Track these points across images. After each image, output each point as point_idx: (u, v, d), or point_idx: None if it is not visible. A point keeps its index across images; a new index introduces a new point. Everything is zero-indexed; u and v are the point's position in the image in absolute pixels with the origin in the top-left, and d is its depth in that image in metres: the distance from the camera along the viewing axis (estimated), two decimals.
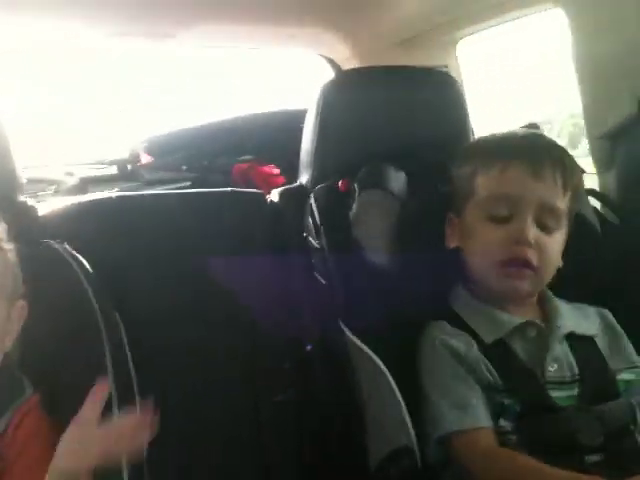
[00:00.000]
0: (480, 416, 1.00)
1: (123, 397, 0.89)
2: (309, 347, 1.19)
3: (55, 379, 0.91)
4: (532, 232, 1.04)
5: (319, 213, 1.25)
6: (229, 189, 1.40)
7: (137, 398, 0.91)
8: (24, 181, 1.16)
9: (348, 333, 1.09)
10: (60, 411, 0.87)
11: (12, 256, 0.90)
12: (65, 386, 0.90)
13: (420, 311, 1.11)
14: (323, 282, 1.19)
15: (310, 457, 1.21)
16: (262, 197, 1.39)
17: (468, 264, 1.12)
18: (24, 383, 0.90)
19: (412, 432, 1.01)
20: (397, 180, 1.25)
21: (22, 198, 1.13)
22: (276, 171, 1.97)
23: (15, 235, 0.97)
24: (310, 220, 1.27)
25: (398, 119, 1.35)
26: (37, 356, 0.94)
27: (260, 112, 2.13)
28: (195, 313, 1.23)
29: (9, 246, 0.90)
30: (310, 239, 1.25)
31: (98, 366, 0.91)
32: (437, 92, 1.40)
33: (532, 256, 1.04)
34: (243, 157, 1.93)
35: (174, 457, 1.10)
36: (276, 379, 1.23)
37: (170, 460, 1.07)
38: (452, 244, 1.14)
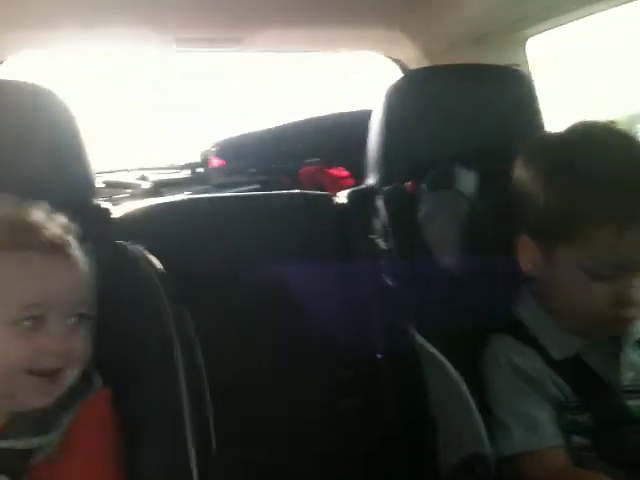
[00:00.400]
0: (549, 435, 0.97)
1: (193, 393, 0.90)
2: (379, 356, 1.18)
3: (126, 376, 0.93)
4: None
5: (387, 215, 1.24)
6: (297, 191, 1.41)
7: (207, 394, 0.92)
8: (100, 185, 1.20)
9: (418, 338, 1.07)
10: (127, 408, 0.90)
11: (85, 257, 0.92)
12: (135, 383, 0.92)
13: (486, 318, 1.07)
14: (391, 285, 1.18)
15: (376, 464, 1.20)
16: (330, 199, 1.39)
17: (552, 299, 1.03)
18: (94, 378, 0.92)
19: (487, 441, 0.98)
20: (467, 181, 1.23)
21: (96, 201, 1.17)
22: (344, 173, 1.97)
23: (89, 237, 1.01)
24: (378, 222, 1.26)
25: (467, 118, 1.32)
26: (109, 353, 0.96)
27: (327, 114, 2.13)
28: (263, 315, 1.25)
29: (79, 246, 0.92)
30: (378, 241, 1.24)
31: (168, 364, 0.92)
32: (507, 90, 1.36)
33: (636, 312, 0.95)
34: (311, 159, 1.94)
35: (238, 456, 1.11)
36: (342, 384, 1.22)
37: (235, 460, 1.08)
38: (527, 270, 1.04)
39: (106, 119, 2.25)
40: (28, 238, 0.85)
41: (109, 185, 1.72)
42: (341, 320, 1.21)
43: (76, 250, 0.90)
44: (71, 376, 0.86)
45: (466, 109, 1.32)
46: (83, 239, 0.95)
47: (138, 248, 1.07)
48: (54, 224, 0.88)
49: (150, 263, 1.04)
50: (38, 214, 0.88)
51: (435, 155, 1.28)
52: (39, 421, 0.83)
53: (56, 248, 0.86)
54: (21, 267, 0.84)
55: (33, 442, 0.82)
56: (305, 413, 1.24)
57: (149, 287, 1.00)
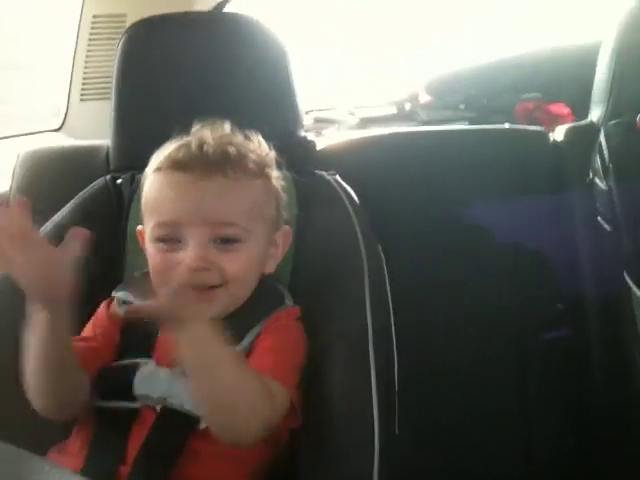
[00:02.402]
0: None
1: (380, 327, 0.88)
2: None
3: (317, 305, 0.93)
4: None
5: (609, 151, 1.12)
6: (509, 126, 1.31)
7: (391, 330, 0.90)
8: (308, 120, 1.21)
9: (634, 287, 0.96)
10: (313, 332, 0.90)
11: (277, 183, 0.93)
12: (323, 309, 0.92)
13: None
14: (607, 229, 1.07)
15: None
16: (544, 135, 1.29)
17: None
18: (285, 297, 0.93)
19: None
20: None
21: (303, 133, 1.18)
22: (566, 110, 1.80)
23: (292, 165, 1.02)
24: (598, 160, 1.14)
25: None
26: (303, 280, 0.97)
27: (548, 46, 1.96)
28: (465, 252, 1.20)
29: (275, 173, 0.93)
30: (597, 181, 1.12)
31: (357, 296, 0.91)
32: None
33: None
34: (528, 94, 1.80)
35: (428, 387, 1.09)
36: (549, 317, 1.15)
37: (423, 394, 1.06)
38: None
39: (319, 56, 2.27)
40: (186, 158, 0.86)
41: (317, 121, 1.74)
42: (551, 261, 1.12)
43: (250, 175, 0.89)
44: (227, 296, 0.87)
45: None
46: (284, 166, 0.97)
47: (336, 178, 1.07)
48: (241, 146, 0.89)
49: (347, 194, 1.03)
50: (217, 133, 0.89)
51: None
52: (227, 334, 0.84)
53: (211, 168, 0.86)
54: (160, 186, 0.88)
55: None
56: (506, 346, 1.20)
57: (343, 218, 0.99)
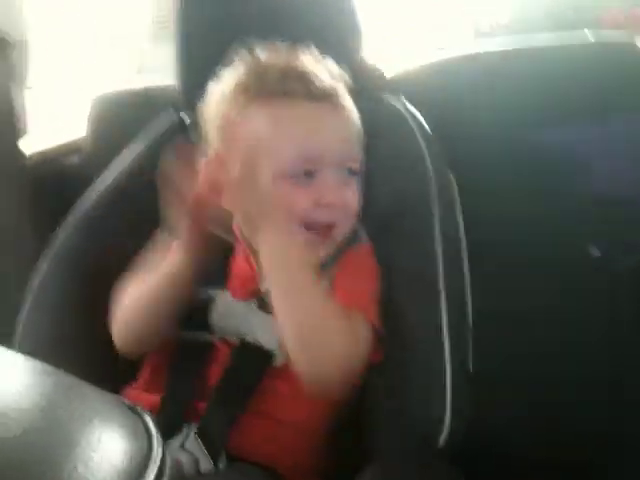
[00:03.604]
0: None
1: (450, 258, 0.84)
2: None
3: (386, 235, 0.90)
4: None
5: None
6: (592, 40, 1.21)
7: (465, 263, 0.86)
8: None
9: None
10: (385, 267, 0.87)
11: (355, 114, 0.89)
12: (392, 242, 0.89)
13: None
14: None
15: None
16: (636, 47, 1.17)
17: None
18: (359, 232, 0.91)
19: None
20: None
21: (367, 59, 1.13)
22: None
23: (358, 91, 0.98)
24: None
25: None
26: (373, 210, 0.94)
27: None
28: (540, 185, 1.13)
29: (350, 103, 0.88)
30: None
31: (425, 224, 0.87)
32: None
33: None
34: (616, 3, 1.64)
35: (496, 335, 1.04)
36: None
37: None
38: None
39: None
40: (299, 86, 0.82)
41: None
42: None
43: (347, 101, 0.86)
44: (343, 231, 0.85)
45: None
46: (352, 92, 0.93)
47: (404, 104, 1.02)
48: (326, 72, 0.85)
49: (414, 119, 0.98)
50: (310, 61, 0.85)
51: None
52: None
53: (327, 97, 0.83)
54: (294, 118, 0.82)
55: None
56: (586, 277, 1.14)
57: (412, 144, 0.95)
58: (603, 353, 1.17)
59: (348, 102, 0.86)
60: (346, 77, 0.88)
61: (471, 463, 0.73)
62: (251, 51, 0.86)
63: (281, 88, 0.81)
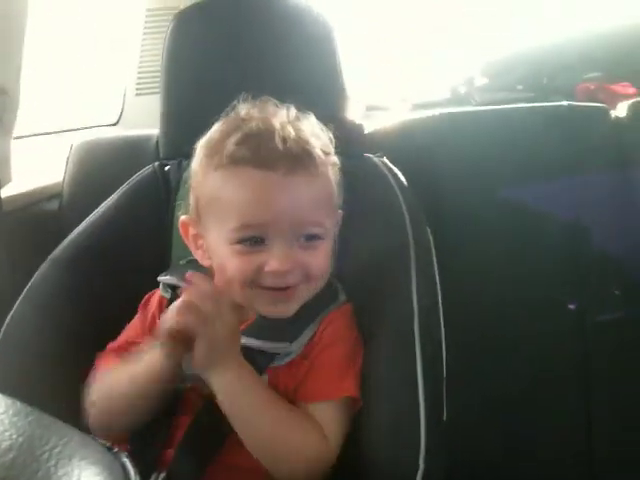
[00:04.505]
0: None
1: (426, 306, 0.85)
2: None
3: (364, 290, 0.91)
4: None
5: None
6: (565, 102, 1.26)
7: (440, 312, 0.87)
8: (359, 107, 1.19)
9: None
10: (364, 320, 0.88)
11: (337, 170, 0.89)
12: (369, 290, 0.90)
13: None
14: None
15: None
16: (605, 111, 1.22)
17: None
18: (339, 292, 0.91)
19: None
20: None
21: (350, 116, 1.16)
22: (631, 90, 1.70)
23: (340, 149, 1.00)
24: None
25: None
26: (351, 266, 0.95)
27: (611, 23, 1.87)
28: (521, 234, 1.16)
29: (335, 159, 0.88)
30: None
31: (403, 274, 0.88)
32: None
33: None
34: (589, 75, 1.72)
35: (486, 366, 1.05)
36: (605, 300, 1.10)
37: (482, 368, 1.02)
38: None
39: (369, 47, 2.24)
40: (250, 153, 0.79)
41: (368, 108, 1.71)
42: (612, 237, 1.08)
43: (315, 163, 0.82)
44: (307, 292, 0.85)
45: None
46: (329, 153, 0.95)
47: (383, 161, 1.05)
48: (296, 134, 0.82)
49: (393, 174, 1.01)
50: (279, 123, 0.82)
51: None
52: (281, 329, 0.85)
53: (281, 163, 0.79)
54: (239, 185, 0.80)
55: (273, 347, 0.84)
56: (559, 326, 1.16)
57: (388, 197, 0.97)
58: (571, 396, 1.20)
59: (315, 165, 0.82)
60: (326, 135, 0.87)
61: None
62: (233, 109, 0.86)
63: (236, 154, 0.80)
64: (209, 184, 0.83)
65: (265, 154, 0.79)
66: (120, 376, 0.84)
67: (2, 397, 0.36)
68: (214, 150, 0.83)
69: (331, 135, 0.88)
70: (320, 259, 0.84)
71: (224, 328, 0.77)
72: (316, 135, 0.85)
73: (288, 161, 0.79)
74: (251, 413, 0.78)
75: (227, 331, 0.77)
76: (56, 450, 0.31)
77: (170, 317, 0.77)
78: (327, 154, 0.86)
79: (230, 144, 0.81)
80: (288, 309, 0.85)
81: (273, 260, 0.80)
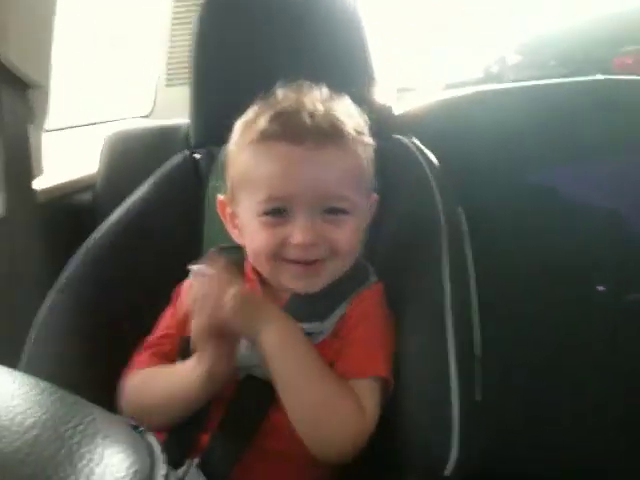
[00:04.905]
0: None
1: (457, 287, 0.84)
2: None
3: (396, 270, 0.90)
4: None
5: None
6: (602, 76, 1.22)
7: (472, 295, 0.86)
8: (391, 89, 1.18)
9: None
10: (395, 300, 0.87)
11: (371, 151, 0.89)
12: (401, 271, 0.89)
13: None
14: None
15: None
16: None
17: None
18: (369, 272, 0.91)
19: None
20: None
21: (380, 98, 1.15)
22: None
23: (370, 131, 0.99)
24: None
25: None
26: (383, 246, 0.94)
27: None
28: (555, 216, 1.13)
29: (369, 139, 0.89)
30: None
31: (434, 256, 0.86)
32: None
33: None
34: (625, 48, 1.67)
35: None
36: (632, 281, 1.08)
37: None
38: None
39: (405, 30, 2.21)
40: (280, 128, 0.82)
41: (399, 90, 1.70)
42: None
43: (345, 140, 0.84)
44: (334, 269, 0.85)
45: None
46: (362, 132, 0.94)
47: (414, 142, 1.03)
48: (328, 112, 0.84)
49: (424, 156, 0.99)
50: (312, 102, 0.84)
51: None
52: (313, 310, 0.85)
53: (309, 138, 0.81)
54: (268, 159, 0.83)
55: (306, 327, 0.83)
56: (590, 305, 1.14)
57: (420, 180, 0.96)
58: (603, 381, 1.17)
59: (344, 141, 0.84)
60: (361, 116, 0.88)
61: None
62: (270, 92, 0.88)
63: (267, 130, 0.83)
64: (242, 160, 0.86)
65: (293, 129, 0.81)
66: (157, 380, 0.85)
67: (25, 376, 0.36)
68: (248, 128, 0.86)
69: (366, 117, 0.89)
70: (346, 234, 0.84)
71: (237, 291, 0.77)
72: (349, 114, 0.87)
73: (315, 135, 0.81)
74: (299, 372, 0.78)
75: (242, 291, 0.78)
76: (80, 428, 0.32)
77: (193, 325, 0.78)
78: (360, 133, 0.87)
79: (262, 121, 0.84)
80: (315, 284, 0.85)
81: (297, 232, 0.81)
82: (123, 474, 0.31)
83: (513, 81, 1.65)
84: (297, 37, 1.08)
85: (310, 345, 0.80)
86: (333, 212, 0.83)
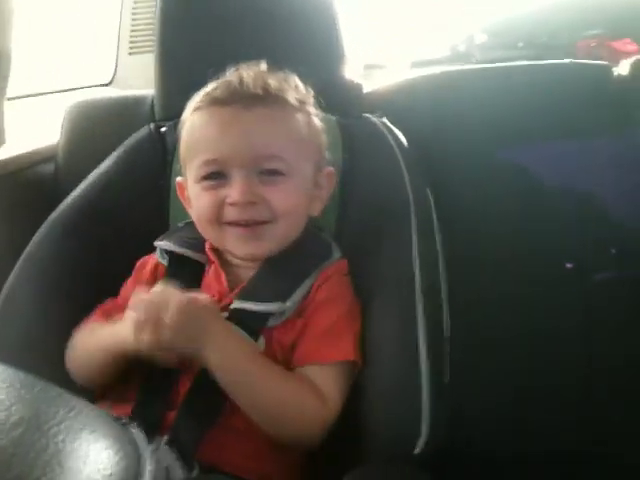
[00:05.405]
0: None
1: (427, 268, 0.85)
2: None
3: (364, 251, 0.90)
4: None
5: None
6: (568, 60, 1.23)
7: (441, 276, 0.87)
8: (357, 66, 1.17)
9: None
10: (361, 279, 0.87)
11: (317, 122, 0.91)
12: (370, 253, 0.89)
13: None
14: None
15: None
16: (607, 69, 1.20)
17: None
18: (332, 248, 0.91)
19: None
20: None
21: (348, 76, 1.14)
22: (632, 47, 1.69)
23: (336, 108, 0.98)
24: None
25: None
26: (350, 226, 0.94)
27: None
28: (521, 195, 1.15)
29: (315, 111, 0.91)
30: None
31: (403, 238, 0.87)
32: None
33: None
34: (589, 32, 1.69)
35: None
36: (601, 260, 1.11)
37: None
38: None
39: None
40: (217, 93, 0.86)
41: (367, 67, 1.69)
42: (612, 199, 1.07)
43: (291, 110, 0.87)
44: (277, 232, 0.86)
45: None
46: (329, 110, 0.94)
47: (383, 120, 1.03)
48: (266, 81, 0.86)
49: (393, 135, 0.99)
50: (255, 74, 0.87)
51: None
52: (274, 289, 0.85)
53: (240, 100, 0.84)
54: (203, 124, 0.86)
55: (267, 308, 0.84)
56: (559, 285, 1.17)
57: (389, 159, 0.96)
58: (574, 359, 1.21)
59: (276, 103, 0.86)
60: (307, 91, 0.90)
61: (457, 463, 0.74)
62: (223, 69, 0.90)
63: (203, 99, 0.88)
64: (184, 133, 0.90)
65: (223, 93, 0.86)
66: (94, 336, 0.85)
67: (6, 368, 0.35)
68: (191, 102, 0.90)
69: (311, 91, 0.91)
70: (283, 195, 0.85)
71: (178, 312, 0.76)
72: (290, 85, 0.89)
73: (243, 97, 0.84)
74: (245, 382, 0.79)
75: (181, 308, 0.76)
76: (64, 424, 0.31)
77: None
78: (302, 102, 0.89)
79: (201, 93, 0.88)
80: (259, 248, 0.86)
81: (232, 191, 0.83)
82: (112, 470, 0.30)
83: (480, 60, 1.67)
84: (267, 13, 1.06)
85: (254, 354, 0.81)
86: (269, 173, 0.85)
